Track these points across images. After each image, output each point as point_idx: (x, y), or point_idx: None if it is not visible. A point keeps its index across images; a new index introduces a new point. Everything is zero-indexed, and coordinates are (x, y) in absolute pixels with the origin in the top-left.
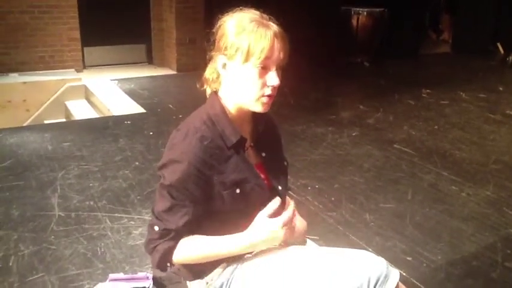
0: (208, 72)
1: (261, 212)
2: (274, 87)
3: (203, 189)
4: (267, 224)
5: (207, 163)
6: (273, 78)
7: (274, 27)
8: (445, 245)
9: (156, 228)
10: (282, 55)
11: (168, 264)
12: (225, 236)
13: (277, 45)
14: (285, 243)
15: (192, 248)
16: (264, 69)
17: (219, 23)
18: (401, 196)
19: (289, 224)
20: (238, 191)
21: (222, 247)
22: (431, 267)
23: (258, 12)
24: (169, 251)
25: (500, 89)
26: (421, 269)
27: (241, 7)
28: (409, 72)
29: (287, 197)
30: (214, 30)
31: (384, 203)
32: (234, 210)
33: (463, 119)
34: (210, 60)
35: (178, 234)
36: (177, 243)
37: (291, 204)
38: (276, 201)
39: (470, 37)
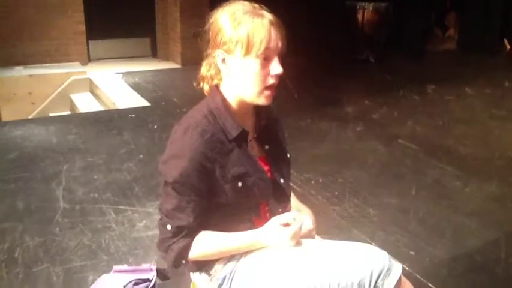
0: (205, 70)
1: (275, 217)
2: (278, 76)
3: (206, 182)
4: (278, 231)
5: (209, 157)
6: (277, 67)
7: (268, 15)
8: (448, 240)
9: (169, 227)
10: (280, 43)
11: (183, 262)
12: (236, 233)
13: (274, 33)
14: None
15: (205, 246)
16: (266, 59)
17: (212, 19)
18: (405, 191)
19: (297, 236)
20: (240, 184)
21: (233, 244)
22: (434, 262)
23: (248, 3)
24: (185, 249)
25: (506, 84)
26: (424, 263)
27: (230, 1)
28: (414, 68)
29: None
30: (206, 27)
31: (387, 198)
32: (237, 204)
33: (468, 115)
34: (206, 58)
35: (191, 231)
36: (191, 240)
37: (299, 217)
38: (292, 214)
39: (476, 34)
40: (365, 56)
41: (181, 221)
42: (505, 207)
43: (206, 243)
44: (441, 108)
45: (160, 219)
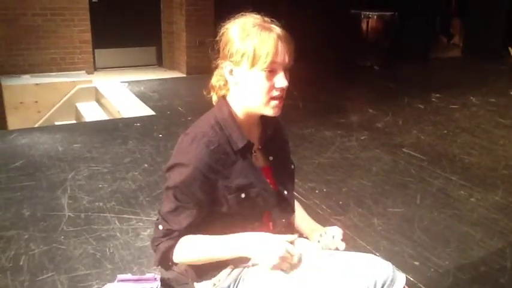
0: (215, 80)
1: (276, 235)
2: (282, 89)
3: (208, 193)
4: (270, 243)
5: (213, 168)
6: (281, 80)
7: (277, 29)
8: (453, 250)
9: (161, 227)
10: (287, 57)
11: (170, 263)
12: (223, 236)
13: (281, 47)
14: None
15: (191, 247)
16: (271, 72)
17: (222, 30)
18: (409, 200)
19: (285, 260)
20: (243, 195)
21: (219, 247)
22: (439, 272)
23: (259, 16)
24: (169, 249)
25: (511, 93)
26: (428, 273)
27: (242, 13)
28: (418, 76)
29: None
30: (218, 38)
31: (392, 207)
32: (240, 214)
33: (472, 124)
34: (216, 68)
35: (181, 235)
36: (177, 242)
37: (296, 250)
38: (292, 237)
39: (481, 41)
40: (369, 63)
41: (174, 224)
42: (510, 216)
43: (192, 245)
44: (446, 117)
45: (157, 220)
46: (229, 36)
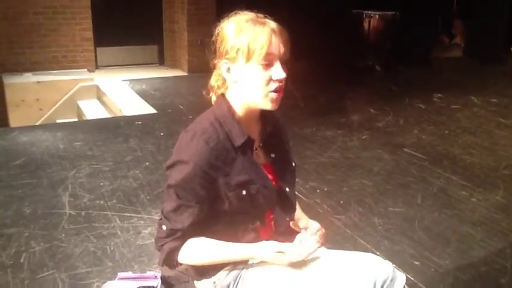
0: (214, 80)
1: (274, 242)
2: (280, 81)
3: (209, 190)
4: (273, 254)
5: (213, 164)
6: (278, 72)
7: (271, 23)
8: (453, 250)
9: (164, 227)
10: (282, 49)
11: (175, 263)
12: (231, 243)
13: (275, 40)
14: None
15: (197, 251)
16: (268, 65)
17: (218, 30)
18: (410, 200)
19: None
20: (244, 192)
21: (226, 254)
22: (439, 272)
23: (252, 13)
24: (174, 251)
25: None
26: (429, 273)
27: (235, 11)
28: (420, 76)
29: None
30: (214, 38)
31: (392, 207)
32: (241, 212)
33: (474, 124)
34: (214, 68)
35: (184, 234)
36: (182, 243)
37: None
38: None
39: (482, 42)
40: (371, 63)
41: (177, 223)
42: (511, 217)
43: (199, 248)
44: (447, 117)
45: (160, 219)
46: (224, 34)
